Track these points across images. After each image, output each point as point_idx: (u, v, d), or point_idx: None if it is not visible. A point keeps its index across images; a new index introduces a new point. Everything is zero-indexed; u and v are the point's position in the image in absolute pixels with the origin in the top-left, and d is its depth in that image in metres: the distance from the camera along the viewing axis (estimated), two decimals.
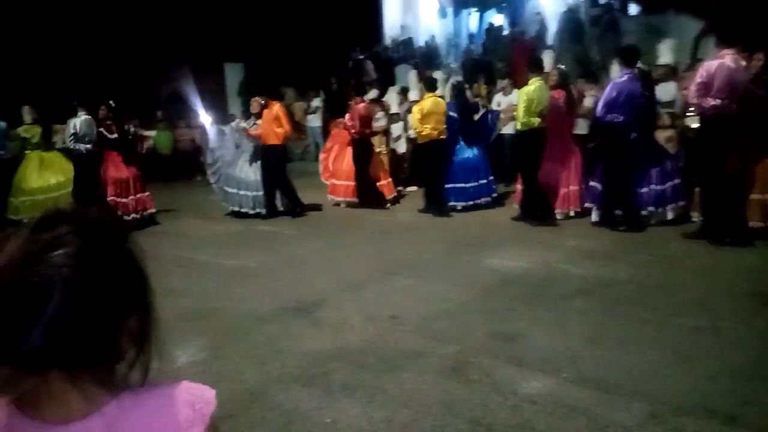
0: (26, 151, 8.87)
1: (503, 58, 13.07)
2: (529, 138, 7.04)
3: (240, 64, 16.78)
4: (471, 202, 8.20)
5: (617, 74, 6.75)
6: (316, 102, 13.87)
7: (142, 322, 0.85)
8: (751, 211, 5.81)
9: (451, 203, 8.14)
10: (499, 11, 16.83)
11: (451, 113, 8.11)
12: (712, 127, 5.62)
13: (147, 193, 8.52)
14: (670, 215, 6.66)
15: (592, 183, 7.01)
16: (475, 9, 17.56)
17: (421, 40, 16.72)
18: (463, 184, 8.18)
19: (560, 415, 2.86)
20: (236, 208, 8.34)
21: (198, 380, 0.91)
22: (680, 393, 3.01)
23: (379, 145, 9.34)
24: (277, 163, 8.19)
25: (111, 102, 8.57)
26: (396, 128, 10.33)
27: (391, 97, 10.60)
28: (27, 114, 8.84)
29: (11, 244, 0.76)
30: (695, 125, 6.14)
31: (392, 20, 17.98)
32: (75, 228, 0.79)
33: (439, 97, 8.27)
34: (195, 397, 0.90)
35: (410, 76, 11.00)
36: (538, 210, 7.11)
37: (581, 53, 11.75)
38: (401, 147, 10.36)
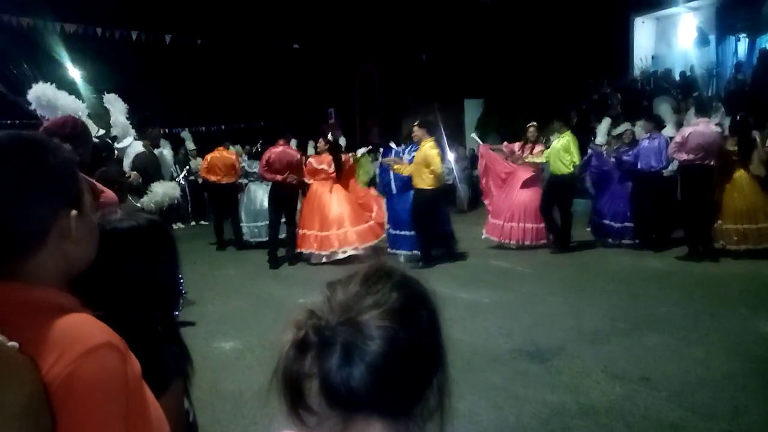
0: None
1: None
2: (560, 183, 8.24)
3: (479, 99, 17.11)
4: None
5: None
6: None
7: (444, 376, 0.87)
8: None
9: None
10: None
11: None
12: (685, 174, 7.46)
13: None
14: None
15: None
16: (745, 34, 15.44)
17: (675, 72, 15.26)
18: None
19: None
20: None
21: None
22: None
23: None
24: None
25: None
26: None
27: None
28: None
29: (340, 293, 0.84)
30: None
31: (643, 50, 16.73)
32: (396, 285, 0.85)
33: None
34: None
35: (664, 110, 10.06)
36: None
37: None
38: None
